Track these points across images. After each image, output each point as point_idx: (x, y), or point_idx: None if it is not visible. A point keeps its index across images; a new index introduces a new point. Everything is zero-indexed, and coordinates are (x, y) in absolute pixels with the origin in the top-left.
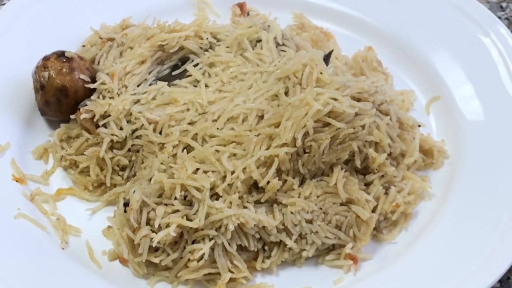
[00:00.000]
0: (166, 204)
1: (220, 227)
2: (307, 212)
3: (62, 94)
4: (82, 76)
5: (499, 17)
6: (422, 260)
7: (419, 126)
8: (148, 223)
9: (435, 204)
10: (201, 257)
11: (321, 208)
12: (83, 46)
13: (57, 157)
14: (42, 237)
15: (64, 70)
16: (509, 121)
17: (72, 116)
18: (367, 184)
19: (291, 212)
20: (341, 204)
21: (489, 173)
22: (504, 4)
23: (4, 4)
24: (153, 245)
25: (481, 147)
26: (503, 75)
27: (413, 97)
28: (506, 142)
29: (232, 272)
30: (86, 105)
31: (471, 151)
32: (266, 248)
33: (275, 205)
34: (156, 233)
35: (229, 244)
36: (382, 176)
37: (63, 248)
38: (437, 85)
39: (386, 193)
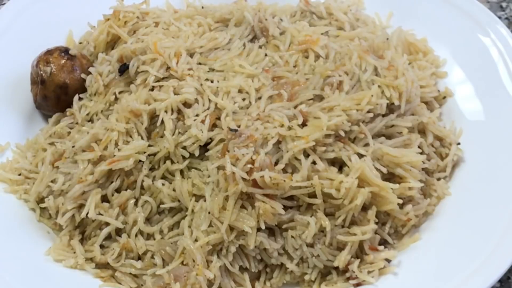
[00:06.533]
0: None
1: (221, 249)
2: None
3: (62, 91)
4: (83, 76)
5: (499, 17)
6: (422, 260)
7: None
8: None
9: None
10: None
11: (322, 231)
12: (80, 43)
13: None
14: (43, 237)
15: (66, 67)
16: (509, 121)
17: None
18: None
19: (292, 236)
20: (342, 226)
21: (489, 173)
22: (504, 4)
23: (4, 4)
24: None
25: (481, 147)
26: (503, 75)
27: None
28: (506, 142)
29: None
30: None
31: (471, 151)
32: (268, 270)
33: (276, 228)
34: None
35: (231, 264)
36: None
37: None
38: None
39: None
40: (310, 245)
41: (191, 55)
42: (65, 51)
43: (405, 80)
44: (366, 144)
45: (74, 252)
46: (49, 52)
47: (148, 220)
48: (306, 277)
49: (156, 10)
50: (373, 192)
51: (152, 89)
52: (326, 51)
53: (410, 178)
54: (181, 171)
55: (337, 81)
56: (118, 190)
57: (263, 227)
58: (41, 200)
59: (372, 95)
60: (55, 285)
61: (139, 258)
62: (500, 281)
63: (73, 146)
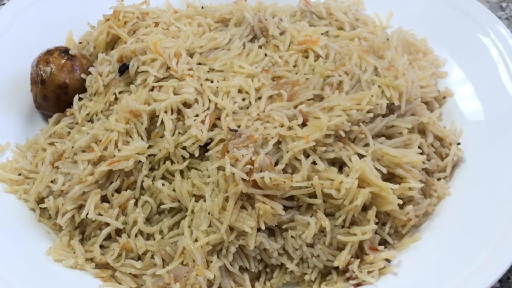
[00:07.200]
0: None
1: (221, 249)
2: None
3: (62, 91)
4: (83, 76)
5: (499, 17)
6: (422, 260)
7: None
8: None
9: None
10: None
11: (322, 231)
12: (80, 43)
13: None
14: (43, 237)
15: (66, 67)
16: (509, 121)
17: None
18: None
19: (292, 237)
20: (342, 226)
21: (489, 173)
22: (504, 4)
23: (4, 4)
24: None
25: (481, 147)
26: (503, 75)
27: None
28: (506, 142)
29: None
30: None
31: (471, 151)
32: (268, 270)
33: (276, 228)
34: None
35: (231, 265)
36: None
37: None
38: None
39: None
40: (310, 245)
41: (191, 55)
42: (65, 51)
43: (405, 80)
44: (366, 144)
45: (74, 252)
46: (49, 52)
47: (148, 220)
48: (306, 277)
49: (156, 10)
50: (373, 193)
51: (152, 89)
52: (326, 51)
53: (410, 178)
54: (181, 172)
55: (337, 81)
56: (118, 191)
57: (263, 227)
58: (41, 200)
59: (372, 95)
60: (55, 285)
61: (139, 258)
62: (500, 281)
63: (72, 147)
